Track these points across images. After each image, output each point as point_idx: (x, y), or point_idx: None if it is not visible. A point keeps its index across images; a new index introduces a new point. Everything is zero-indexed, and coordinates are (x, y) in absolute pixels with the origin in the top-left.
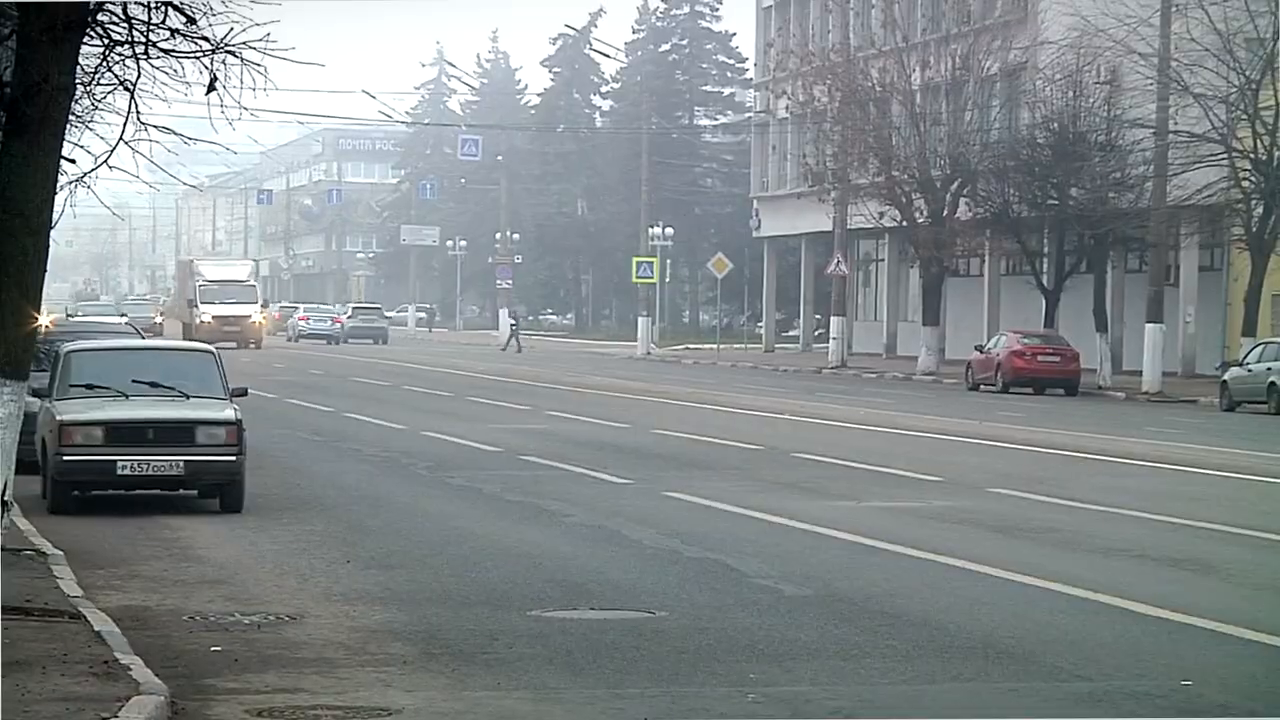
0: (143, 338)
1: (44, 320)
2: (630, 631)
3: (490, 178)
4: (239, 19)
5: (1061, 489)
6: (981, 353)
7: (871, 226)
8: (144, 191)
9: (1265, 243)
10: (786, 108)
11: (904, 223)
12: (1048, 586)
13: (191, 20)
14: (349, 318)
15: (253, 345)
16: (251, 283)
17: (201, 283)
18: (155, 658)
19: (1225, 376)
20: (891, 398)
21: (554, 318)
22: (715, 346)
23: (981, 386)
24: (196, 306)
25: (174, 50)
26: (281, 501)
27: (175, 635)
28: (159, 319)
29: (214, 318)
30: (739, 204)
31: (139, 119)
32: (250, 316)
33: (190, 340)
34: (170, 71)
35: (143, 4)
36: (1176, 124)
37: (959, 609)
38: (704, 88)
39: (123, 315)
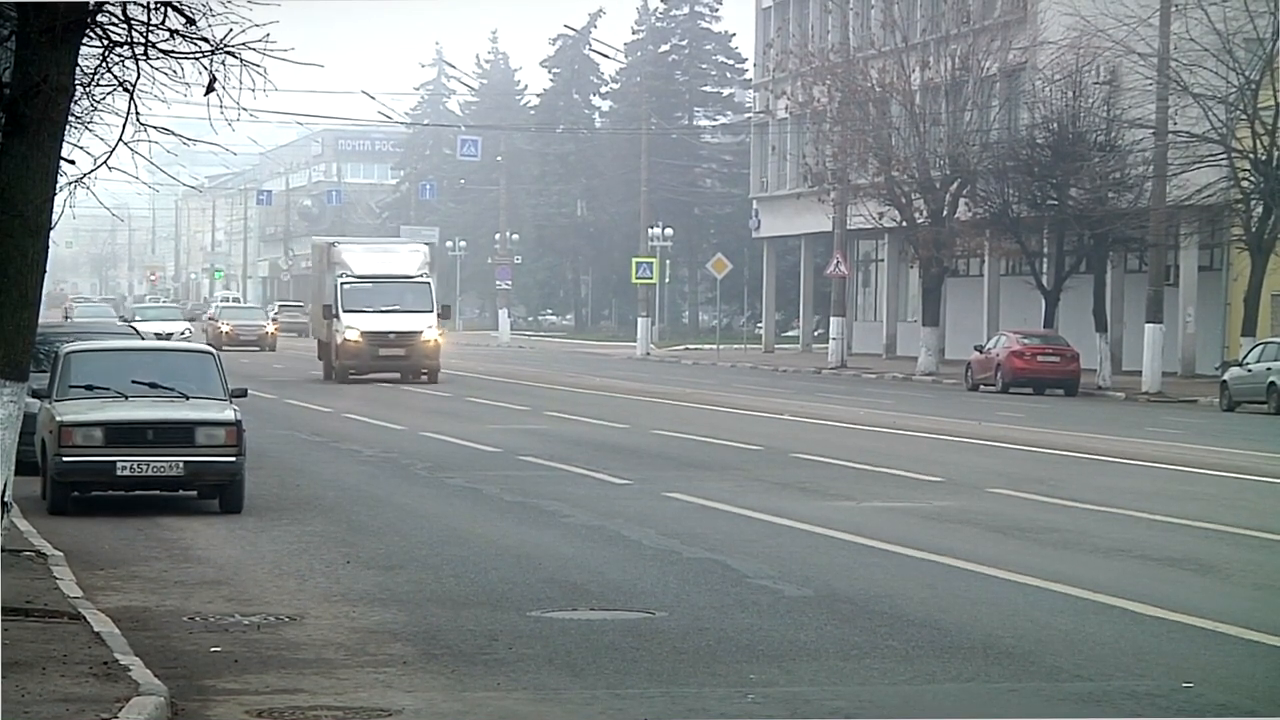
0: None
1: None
2: (630, 632)
3: (490, 178)
4: (238, 20)
5: (1061, 489)
6: (981, 353)
7: (871, 227)
8: (143, 192)
9: (1265, 243)
10: (786, 108)
11: (904, 223)
12: (1048, 586)
13: (191, 21)
14: (275, 313)
15: (424, 376)
16: (423, 278)
17: (347, 279)
18: (155, 658)
19: (1225, 376)
20: (891, 398)
21: (553, 318)
22: (715, 347)
23: (981, 387)
24: (338, 317)
25: (173, 51)
26: (281, 502)
27: (175, 636)
28: (271, 329)
29: (364, 334)
30: (738, 204)
31: (138, 120)
32: (421, 333)
33: (331, 368)
34: (170, 72)
35: (142, 5)
36: (1176, 124)
37: (959, 609)
38: (703, 88)
39: (188, 321)
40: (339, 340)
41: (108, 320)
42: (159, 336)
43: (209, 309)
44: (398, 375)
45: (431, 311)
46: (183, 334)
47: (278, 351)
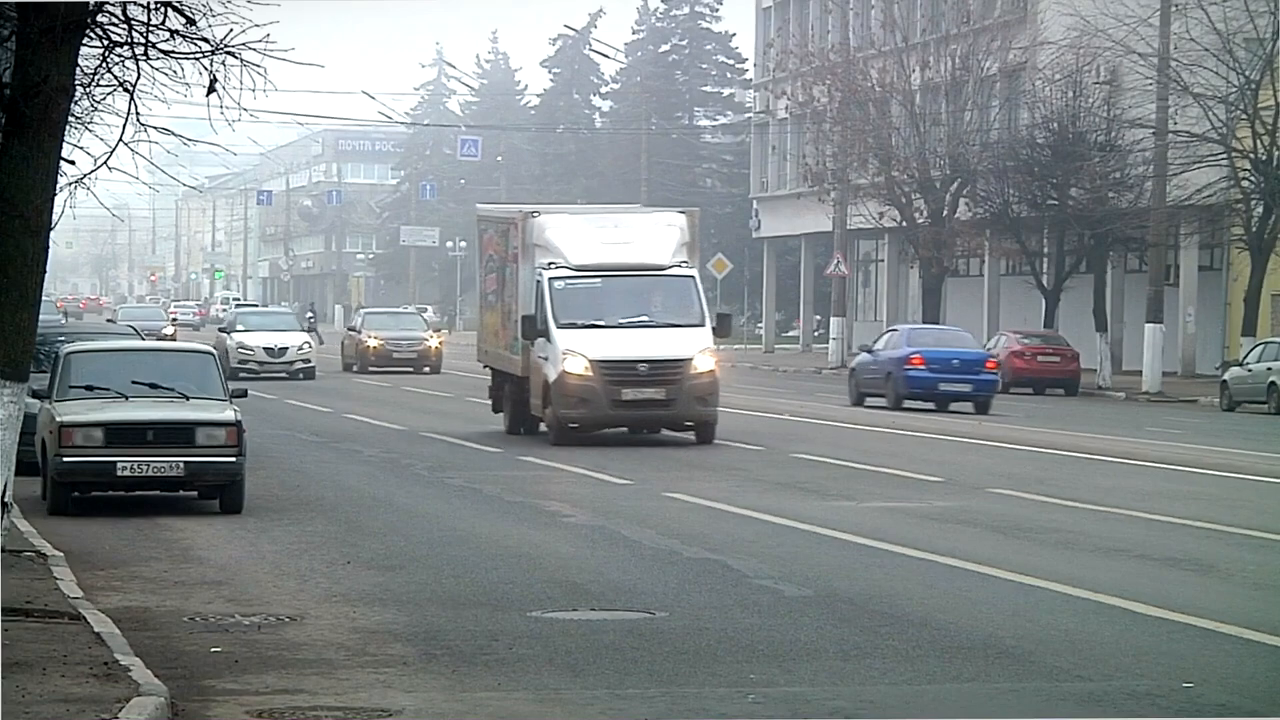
0: (143, 339)
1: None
2: (630, 632)
3: (490, 178)
4: (238, 20)
5: (1061, 489)
6: None
7: (871, 227)
8: (144, 193)
9: (1265, 243)
10: (786, 108)
11: (904, 223)
12: (1048, 586)
13: (191, 21)
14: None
15: (691, 431)
16: (683, 269)
17: (559, 274)
18: (155, 659)
19: (1225, 376)
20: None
21: None
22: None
23: None
24: (547, 335)
25: (173, 51)
26: (281, 502)
27: (175, 636)
28: (434, 343)
29: (596, 365)
30: (739, 204)
31: (139, 120)
32: (691, 360)
33: (523, 416)
34: (170, 73)
35: (142, 5)
36: (1176, 124)
37: (959, 609)
38: (703, 88)
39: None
40: (552, 375)
41: (156, 325)
42: (269, 352)
43: (357, 317)
44: (650, 427)
45: (702, 325)
46: (301, 349)
47: (442, 374)
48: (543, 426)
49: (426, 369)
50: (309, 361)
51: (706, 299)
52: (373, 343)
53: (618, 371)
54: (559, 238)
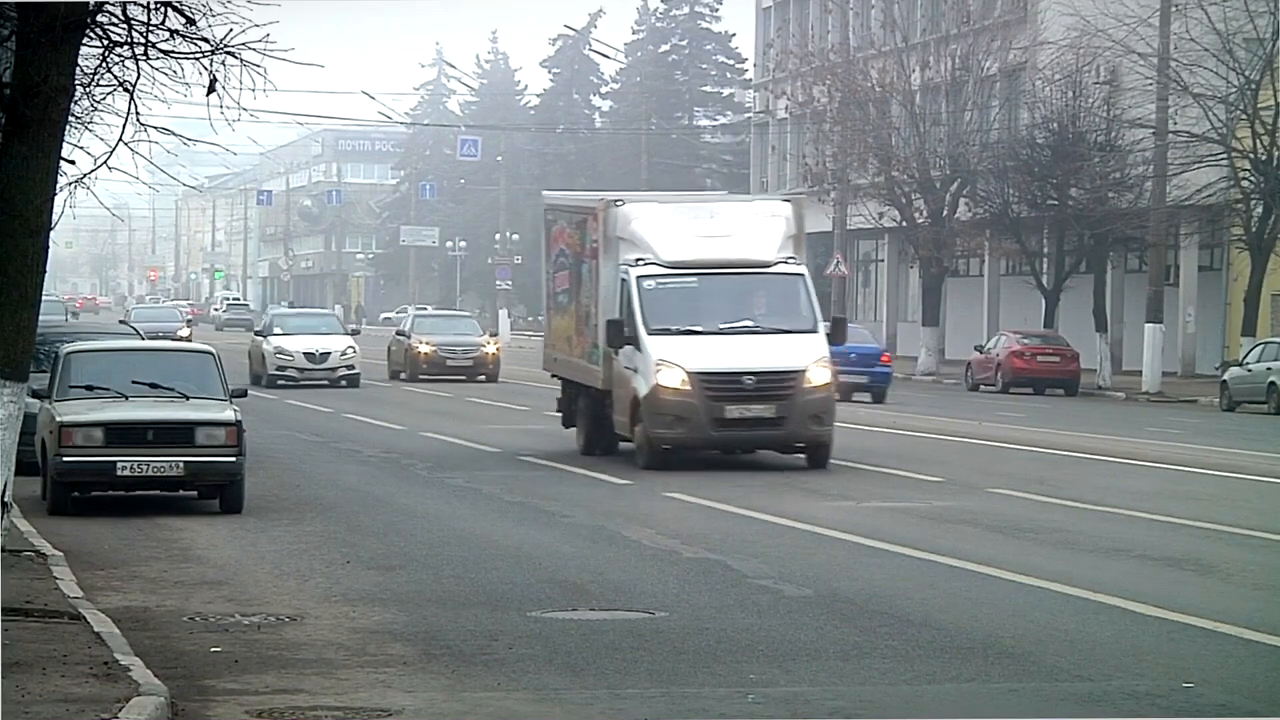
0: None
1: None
2: (630, 632)
3: (490, 178)
4: (238, 20)
5: (1061, 489)
6: (981, 353)
7: (871, 227)
8: (143, 193)
9: (1265, 243)
10: (786, 108)
11: (904, 223)
12: (1048, 586)
13: (191, 21)
14: (224, 311)
15: (803, 454)
16: (789, 266)
17: (649, 271)
18: (155, 659)
19: (1225, 376)
20: (891, 398)
21: None
22: None
23: (981, 387)
24: (637, 343)
25: (173, 51)
26: (281, 502)
27: (175, 636)
28: (492, 348)
29: (695, 378)
30: None
31: (138, 120)
32: (804, 372)
33: (598, 435)
34: (170, 72)
35: (142, 5)
36: (1176, 124)
37: (959, 609)
38: (703, 88)
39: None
40: (643, 389)
41: (171, 326)
42: (310, 357)
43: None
44: (772, 447)
45: (815, 330)
46: (345, 354)
47: (499, 382)
48: (623, 445)
49: (482, 377)
50: (353, 368)
51: (818, 300)
52: (424, 349)
53: (720, 385)
54: (648, 230)
